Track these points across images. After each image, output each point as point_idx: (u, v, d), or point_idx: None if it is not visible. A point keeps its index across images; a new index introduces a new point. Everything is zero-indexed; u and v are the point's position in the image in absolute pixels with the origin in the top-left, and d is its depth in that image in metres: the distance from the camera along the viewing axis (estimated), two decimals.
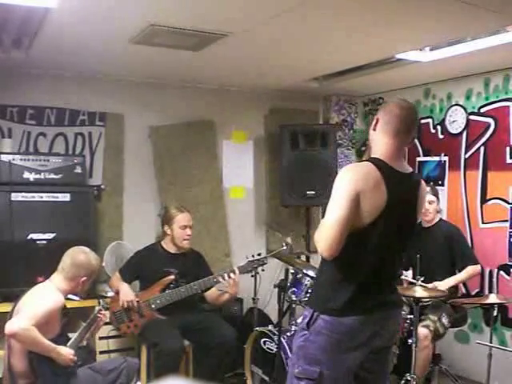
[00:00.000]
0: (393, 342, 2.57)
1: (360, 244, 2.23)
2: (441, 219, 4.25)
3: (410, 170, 2.42)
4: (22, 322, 2.78)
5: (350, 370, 2.32)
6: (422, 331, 3.79)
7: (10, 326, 2.78)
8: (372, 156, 2.35)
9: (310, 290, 3.43)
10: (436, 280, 3.88)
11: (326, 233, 2.17)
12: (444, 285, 3.86)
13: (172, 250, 4.16)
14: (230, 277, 3.94)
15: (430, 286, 3.73)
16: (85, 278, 3.11)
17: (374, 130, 2.39)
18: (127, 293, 3.98)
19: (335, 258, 2.20)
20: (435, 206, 4.16)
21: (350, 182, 2.20)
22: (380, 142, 2.35)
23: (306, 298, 3.46)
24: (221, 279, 3.96)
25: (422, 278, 3.59)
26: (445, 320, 3.91)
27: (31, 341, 2.81)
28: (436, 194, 4.19)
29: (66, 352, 2.95)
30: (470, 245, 4.27)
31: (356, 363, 2.32)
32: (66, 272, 3.08)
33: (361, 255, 2.25)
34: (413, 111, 2.42)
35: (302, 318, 2.40)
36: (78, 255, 3.13)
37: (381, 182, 2.23)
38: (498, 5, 2.79)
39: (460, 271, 4.03)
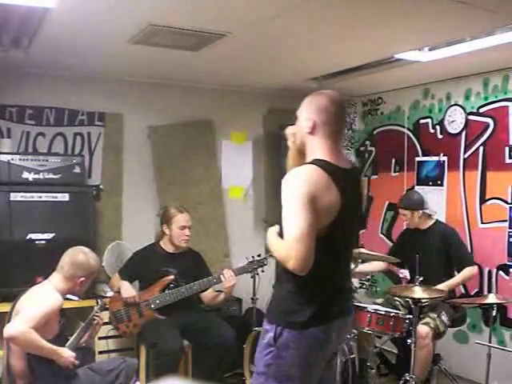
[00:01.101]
0: (337, 352, 2.50)
1: (320, 250, 2.09)
2: (437, 221, 4.26)
3: (350, 163, 2.36)
4: (20, 325, 2.76)
5: (316, 380, 2.27)
6: (423, 329, 3.79)
7: (9, 330, 2.77)
8: (314, 158, 2.23)
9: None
10: (433, 281, 3.88)
11: (297, 248, 2.02)
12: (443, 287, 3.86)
13: (170, 249, 4.16)
14: (229, 276, 3.94)
15: None
16: (83, 279, 3.11)
17: (312, 133, 2.27)
18: (129, 290, 3.98)
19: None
20: (417, 214, 4.15)
21: (304, 187, 2.08)
22: (318, 144, 2.27)
23: None
24: (222, 278, 3.96)
25: (421, 279, 3.60)
26: (444, 317, 3.92)
27: (30, 344, 2.80)
28: (416, 205, 4.18)
29: (68, 354, 2.94)
30: (466, 246, 4.26)
31: (319, 373, 2.27)
32: (64, 271, 3.07)
33: (321, 261, 2.10)
34: (343, 102, 2.35)
35: (263, 332, 2.26)
36: (77, 255, 3.12)
37: (331, 183, 2.14)
38: (496, 5, 2.79)
39: (458, 272, 4.03)
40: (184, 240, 4.11)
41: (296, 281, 2.14)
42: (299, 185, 2.09)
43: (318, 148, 2.27)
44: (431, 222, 4.21)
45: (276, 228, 2.28)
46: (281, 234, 2.19)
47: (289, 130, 2.45)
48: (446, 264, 4.07)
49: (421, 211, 4.17)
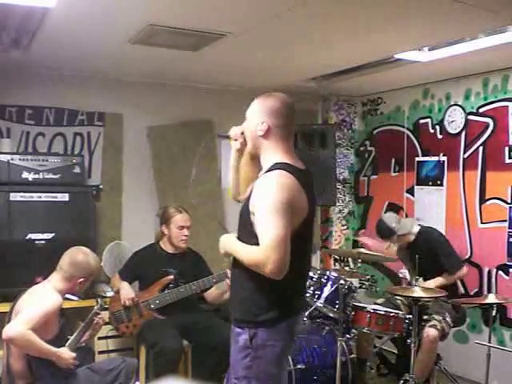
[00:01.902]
0: None
1: (292, 251, 2.12)
2: (421, 227, 4.20)
3: (303, 164, 2.33)
4: (19, 326, 2.76)
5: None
6: (432, 332, 3.77)
7: (7, 331, 2.76)
8: (277, 162, 2.22)
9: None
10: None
11: (275, 253, 2.04)
12: (428, 285, 3.86)
13: (170, 249, 4.15)
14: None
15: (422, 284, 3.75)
16: (83, 279, 3.10)
17: (265, 137, 2.26)
18: (128, 291, 3.98)
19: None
20: (393, 239, 4.12)
21: (281, 194, 2.09)
22: (275, 147, 2.27)
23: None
24: (225, 277, 3.95)
25: (420, 279, 3.60)
26: (449, 319, 3.92)
27: (29, 345, 2.80)
28: (386, 234, 4.13)
29: (68, 355, 2.94)
30: (452, 249, 4.14)
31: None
32: (63, 271, 3.07)
33: (292, 262, 2.12)
34: (291, 100, 2.33)
35: (234, 335, 2.27)
36: (76, 255, 3.12)
37: (299, 187, 2.17)
38: (496, 5, 2.79)
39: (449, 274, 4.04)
40: (182, 240, 4.10)
41: (262, 279, 2.14)
42: (276, 191, 2.10)
43: (275, 151, 2.27)
44: (415, 232, 4.16)
45: (233, 235, 2.33)
46: (243, 240, 2.23)
47: (234, 131, 2.46)
48: (438, 267, 4.04)
49: (395, 237, 4.12)
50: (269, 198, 2.10)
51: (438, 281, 3.98)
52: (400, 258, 4.30)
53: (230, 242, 2.31)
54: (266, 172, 2.23)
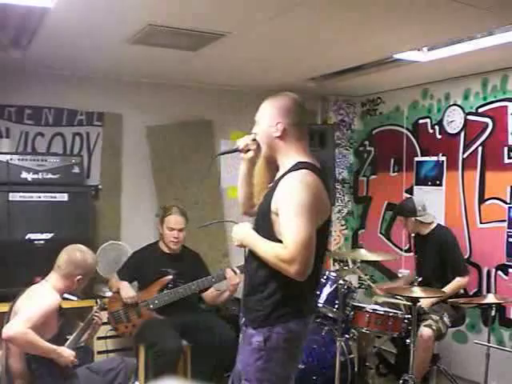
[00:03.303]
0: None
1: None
2: (438, 226, 4.27)
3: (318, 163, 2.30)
4: (19, 325, 2.76)
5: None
6: (426, 331, 3.80)
7: (7, 331, 2.76)
8: (299, 161, 2.21)
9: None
10: (431, 284, 3.89)
11: (302, 252, 2.03)
12: (425, 302, 3.86)
13: (167, 250, 4.15)
14: (235, 273, 3.93)
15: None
16: (80, 277, 3.10)
17: (282, 138, 2.24)
18: (128, 290, 3.98)
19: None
20: (410, 221, 4.20)
21: (310, 195, 2.08)
22: (293, 147, 2.25)
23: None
24: (226, 275, 3.94)
25: (420, 279, 3.60)
26: (446, 319, 3.93)
27: (29, 344, 2.80)
28: (407, 212, 4.23)
29: (67, 353, 2.94)
30: (462, 254, 4.22)
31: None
32: (61, 270, 3.06)
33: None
34: (304, 102, 2.33)
35: (246, 337, 2.24)
36: (74, 253, 3.11)
37: (322, 188, 2.16)
38: (496, 5, 2.79)
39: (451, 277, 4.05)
40: (172, 242, 4.08)
41: (281, 277, 2.13)
42: (304, 191, 2.08)
43: (294, 151, 2.25)
44: (432, 227, 4.23)
45: (249, 224, 2.28)
46: (262, 235, 2.19)
47: (244, 141, 2.39)
48: (442, 268, 4.07)
49: (413, 218, 4.18)
50: (297, 197, 2.07)
51: (455, 284, 3.99)
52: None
53: (249, 234, 2.24)
54: (290, 171, 2.18)
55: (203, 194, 5.09)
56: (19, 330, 2.74)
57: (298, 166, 2.18)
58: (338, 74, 4.56)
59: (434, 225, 4.25)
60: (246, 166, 2.46)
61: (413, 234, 4.45)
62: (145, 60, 4.13)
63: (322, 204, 2.15)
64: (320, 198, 2.13)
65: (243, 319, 2.31)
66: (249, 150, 2.40)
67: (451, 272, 4.05)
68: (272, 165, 2.34)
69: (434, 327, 3.84)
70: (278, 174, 2.27)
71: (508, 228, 4.19)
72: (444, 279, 4.03)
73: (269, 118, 2.28)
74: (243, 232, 2.28)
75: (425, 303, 3.82)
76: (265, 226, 2.19)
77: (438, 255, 4.07)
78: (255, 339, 2.19)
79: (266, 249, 2.15)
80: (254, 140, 2.36)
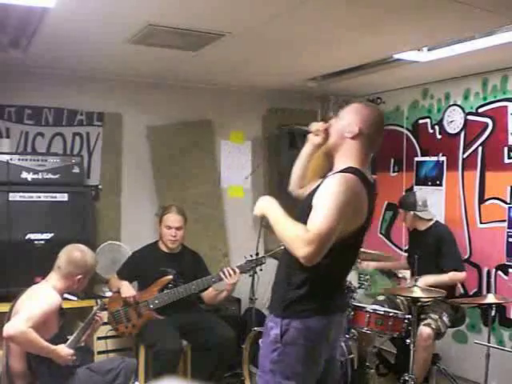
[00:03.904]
0: (336, 352, 2.49)
1: (339, 252, 2.18)
2: (436, 222, 4.26)
3: (372, 177, 2.37)
4: (20, 324, 2.76)
5: (316, 378, 2.30)
6: (425, 330, 3.80)
7: (8, 329, 2.76)
8: (350, 166, 2.27)
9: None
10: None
11: (321, 240, 2.06)
12: (423, 281, 3.86)
13: (166, 249, 4.15)
14: (230, 274, 3.93)
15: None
16: (80, 277, 3.10)
17: (353, 138, 2.30)
18: (129, 289, 3.98)
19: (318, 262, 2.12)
20: (410, 214, 4.22)
21: (347, 195, 2.13)
22: (356, 152, 2.31)
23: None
24: (222, 275, 3.94)
25: (420, 279, 3.60)
26: (445, 318, 3.93)
27: (29, 343, 2.80)
28: (408, 205, 4.25)
29: (66, 352, 2.94)
30: (459, 251, 4.19)
31: (319, 373, 2.31)
32: (61, 270, 3.06)
33: (336, 262, 2.22)
34: (383, 120, 2.43)
35: (267, 329, 2.29)
36: (73, 253, 3.11)
37: (365, 195, 2.22)
38: (496, 5, 2.79)
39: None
40: (170, 240, 4.09)
41: (313, 275, 2.19)
42: (343, 190, 2.13)
43: (353, 156, 2.30)
44: (430, 224, 4.22)
45: (273, 199, 2.33)
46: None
47: (319, 126, 2.45)
48: (437, 264, 4.06)
49: (412, 213, 4.18)
50: (335, 192, 2.12)
51: (440, 278, 3.99)
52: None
53: (273, 205, 2.29)
54: (339, 172, 2.24)
55: (203, 194, 5.09)
56: (20, 329, 2.75)
57: (347, 170, 2.24)
58: (338, 73, 4.56)
59: (432, 222, 4.25)
60: (309, 148, 2.54)
61: (410, 229, 4.44)
62: (145, 60, 4.13)
63: (359, 211, 2.20)
64: (357, 204, 2.17)
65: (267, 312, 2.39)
66: (317, 136, 2.46)
67: (447, 266, 4.03)
68: (329, 159, 2.40)
69: (433, 326, 3.85)
70: (329, 173, 2.32)
71: (508, 228, 4.19)
72: (430, 272, 4.03)
73: (350, 117, 2.33)
74: (268, 201, 2.34)
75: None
76: (301, 218, 2.21)
77: (434, 251, 4.06)
78: (273, 332, 2.24)
79: (287, 224, 2.18)
80: (326, 130, 2.41)
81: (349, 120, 2.32)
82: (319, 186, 2.24)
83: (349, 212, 2.12)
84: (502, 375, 3.99)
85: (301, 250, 2.07)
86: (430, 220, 4.24)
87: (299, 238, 2.09)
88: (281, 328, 2.22)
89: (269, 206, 2.31)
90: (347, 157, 2.31)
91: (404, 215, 4.30)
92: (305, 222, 2.14)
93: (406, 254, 4.57)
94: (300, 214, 2.23)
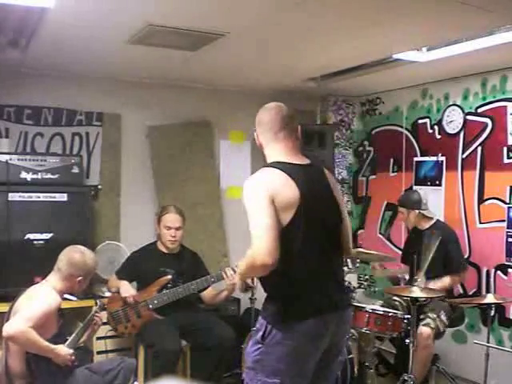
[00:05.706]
0: (340, 350, 2.49)
1: (289, 240, 2.22)
2: (437, 221, 4.27)
3: (308, 161, 2.46)
4: (19, 324, 2.76)
5: (310, 373, 2.33)
6: (425, 330, 3.80)
7: (7, 329, 2.77)
8: (270, 161, 2.42)
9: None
10: (431, 281, 3.90)
11: (261, 241, 2.14)
12: (432, 285, 3.87)
13: (165, 250, 4.15)
14: (230, 274, 3.92)
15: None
16: (81, 278, 3.10)
17: (261, 145, 2.49)
18: (128, 289, 3.98)
19: (271, 271, 2.17)
20: (414, 213, 4.20)
21: (259, 187, 2.25)
22: (272, 150, 2.45)
23: None
24: (224, 275, 3.94)
25: (419, 279, 3.60)
26: (443, 317, 3.93)
27: (29, 343, 2.80)
28: (412, 204, 4.24)
29: (65, 352, 2.94)
30: (462, 251, 4.23)
31: (311, 367, 2.33)
32: (61, 271, 3.07)
33: (291, 259, 2.23)
34: (279, 107, 2.53)
35: (256, 330, 2.37)
36: (73, 254, 3.11)
37: (287, 178, 2.27)
38: (495, 5, 2.79)
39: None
40: (170, 241, 4.09)
41: (274, 279, 2.25)
42: (256, 188, 2.26)
43: (272, 155, 2.45)
44: (431, 223, 4.23)
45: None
46: None
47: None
48: (442, 264, 4.06)
49: (417, 211, 4.18)
50: (247, 196, 2.28)
51: (445, 281, 3.99)
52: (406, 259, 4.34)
53: (239, 268, 2.46)
54: None
55: (202, 194, 5.09)
56: (20, 328, 2.75)
57: (261, 168, 2.39)
58: (338, 74, 4.56)
59: (433, 221, 4.25)
60: None
61: (410, 228, 4.43)
62: (145, 60, 4.13)
63: (283, 197, 2.23)
64: (274, 190, 2.23)
65: None
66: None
67: (451, 267, 4.03)
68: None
69: (432, 325, 3.85)
70: None
71: (507, 228, 4.19)
72: (445, 274, 4.03)
73: (257, 131, 2.54)
74: (239, 267, 2.48)
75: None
76: None
77: (440, 250, 4.04)
78: (259, 333, 2.32)
79: (245, 262, 2.29)
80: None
81: (256, 135, 2.52)
82: None
83: (268, 202, 2.20)
84: (501, 375, 3.99)
85: (258, 262, 2.16)
86: (432, 219, 4.24)
87: (251, 256, 2.19)
88: (264, 330, 2.30)
89: (239, 269, 2.47)
90: (270, 157, 2.46)
91: (407, 214, 4.27)
92: None
93: (401, 253, 4.56)
94: None
